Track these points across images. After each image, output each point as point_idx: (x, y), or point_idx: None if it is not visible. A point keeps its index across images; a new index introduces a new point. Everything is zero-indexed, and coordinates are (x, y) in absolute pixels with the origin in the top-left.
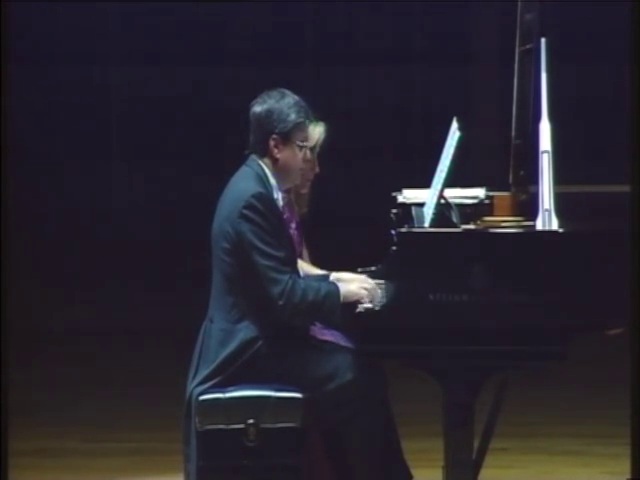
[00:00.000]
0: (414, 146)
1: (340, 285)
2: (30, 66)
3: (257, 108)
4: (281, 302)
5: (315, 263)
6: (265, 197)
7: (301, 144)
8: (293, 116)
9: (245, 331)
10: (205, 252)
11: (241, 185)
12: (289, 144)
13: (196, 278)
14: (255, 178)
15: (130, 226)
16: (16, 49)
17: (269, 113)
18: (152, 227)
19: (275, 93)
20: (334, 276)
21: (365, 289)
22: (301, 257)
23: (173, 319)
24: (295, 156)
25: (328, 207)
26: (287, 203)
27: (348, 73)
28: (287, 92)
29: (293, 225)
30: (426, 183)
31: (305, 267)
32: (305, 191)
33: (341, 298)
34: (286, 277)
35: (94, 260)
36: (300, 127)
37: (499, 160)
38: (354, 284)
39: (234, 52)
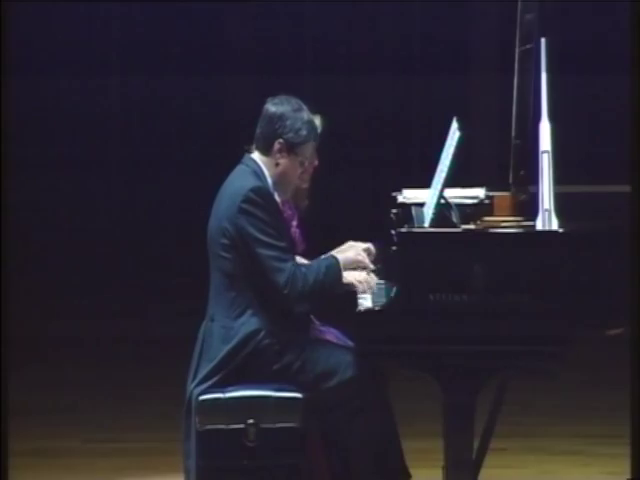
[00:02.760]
0: (413, 155)
1: (338, 255)
2: (30, 76)
3: (272, 108)
4: (286, 291)
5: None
6: (263, 190)
7: (302, 161)
8: (304, 132)
9: (247, 325)
10: (203, 256)
11: (238, 182)
12: (293, 155)
13: (195, 281)
14: (252, 174)
15: (130, 231)
16: (15, 59)
17: (283, 117)
18: (152, 232)
19: (294, 102)
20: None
21: (363, 255)
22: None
23: (173, 321)
24: (295, 169)
25: (327, 216)
26: (286, 201)
27: (348, 82)
28: (304, 107)
29: (294, 223)
30: (426, 183)
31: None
32: (305, 186)
33: (342, 266)
34: (289, 265)
35: (94, 265)
36: (307, 146)
37: (499, 160)
38: (352, 251)
39: (233, 61)
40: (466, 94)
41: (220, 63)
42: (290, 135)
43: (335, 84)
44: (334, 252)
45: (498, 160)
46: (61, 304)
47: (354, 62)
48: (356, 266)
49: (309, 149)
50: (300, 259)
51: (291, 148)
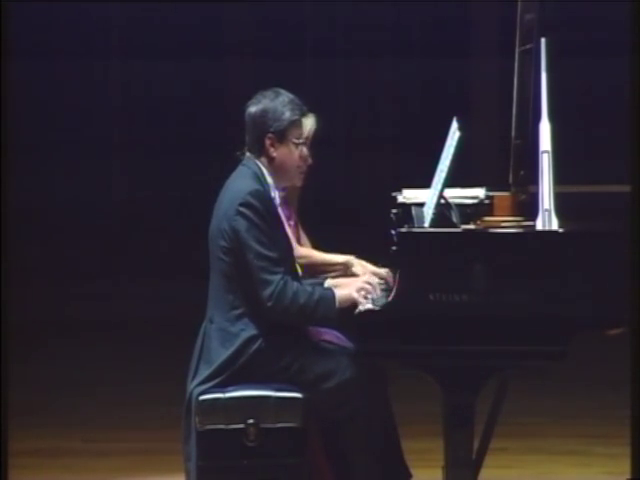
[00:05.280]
0: (414, 137)
1: (336, 290)
2: (29, 60)
3: (252, 108)
4: (270, 304)
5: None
6: (262, 194)
7: (297, 141)
8: (288, 114)
9: (246, 330)
10: (204, 246)
11: (238, 184)
12: (285, 142)
13: (196, 274)
14: (252, 177)
15: (130, 220)
16: (15, 43)
17: (264, 112)
18: (152, 220)
19: (269, 92)
20: (330, 282)
21: (362, 291)
22: (302, 246)
23: (173, 317)
24: (291, 154)
25: (328, 199)
26: (284, 201)
27: (348, 65)
28: (281, 91)
29: (292, 222)
30: (426, 183)
31: (305, 254)
32: (300, 184)
33: (337, 303)
34: (277, 278)
35: (94, 256)
36: (295, 124)
37: (499, 160)
38: (351, 288)
39: (233, 45)
40: (465, 85)
41: (220, 47)
42: (276, 125)
43: (335, 68)
44: (332, 283)
45: (498, 160)
46: (61, 298)
47: (354, 46)
48: (354, 303)
49: (298, 127)
50: (300, 249)
51: (281, 136)
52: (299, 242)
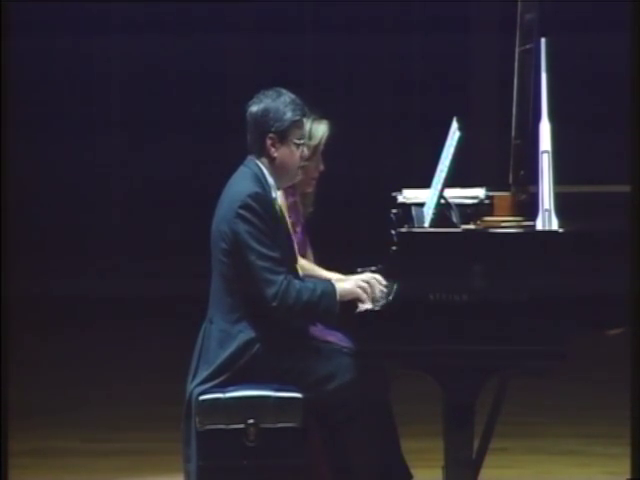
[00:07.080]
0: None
1: (337, 284)
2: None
3: (253, 108)
4: (275, 304)
5: (319, 264)
6: (261, 196)
7: (298, 142)
8: (289, 114)
9: (244, 332)
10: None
11: (238, 185)
12: (286, 142)
13: (196, 273)
14: (253, 178)
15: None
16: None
17: (265, 112)
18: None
19: (271, 92)
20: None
21: (362, 287)
22: (305, 258)
23: (172, 316)
24: (292, 154)
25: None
26: (293, 206)
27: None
28: (283, 90)
29: (299, 229)
30: (426, 183)
31: (308, 267)
32: (310, 190)
33: (338, 297)
34: (280, 278)
35: (93, 242)
36: (297, 125)
37: (499, 160)
38: (351, 282)
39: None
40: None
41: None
42: (277, 125)
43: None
44: (333, 280)
45: (498, 160)
46: (59, 298)
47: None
48: (355, 298)
49: (300, 127)
50: (302, 260)
51: (282, 136)
52: (304, 253)
